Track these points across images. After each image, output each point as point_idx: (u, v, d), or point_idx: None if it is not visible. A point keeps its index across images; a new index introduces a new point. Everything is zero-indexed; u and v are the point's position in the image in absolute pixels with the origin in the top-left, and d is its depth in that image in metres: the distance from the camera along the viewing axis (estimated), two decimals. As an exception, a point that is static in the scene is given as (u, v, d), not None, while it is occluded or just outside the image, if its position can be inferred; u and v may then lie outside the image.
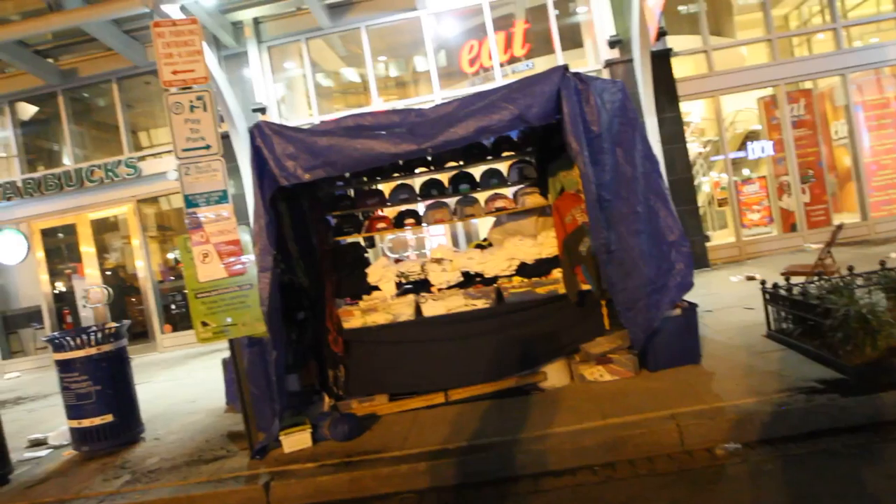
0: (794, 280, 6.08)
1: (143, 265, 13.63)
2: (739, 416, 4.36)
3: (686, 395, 4.85)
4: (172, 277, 14.01)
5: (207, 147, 5.27)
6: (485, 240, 6.38)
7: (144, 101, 14.59)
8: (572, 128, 4.68)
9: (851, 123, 12.76)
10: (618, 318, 5.44)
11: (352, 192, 6.33)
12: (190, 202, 5.21)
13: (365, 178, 6.12)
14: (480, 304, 5.56)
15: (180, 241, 5.23)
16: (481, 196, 6.13)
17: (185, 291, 11.96)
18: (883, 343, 4.57)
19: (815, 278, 6.21)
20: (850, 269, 5.79)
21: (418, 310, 5.64)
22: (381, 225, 6.02)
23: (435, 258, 5.72)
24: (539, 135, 5.95)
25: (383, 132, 4.73)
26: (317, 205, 5.77)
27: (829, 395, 4.39)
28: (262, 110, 12.60)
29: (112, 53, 13.08)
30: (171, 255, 14.36)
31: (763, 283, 6.31)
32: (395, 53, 14.45)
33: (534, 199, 5.86)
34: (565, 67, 4.87)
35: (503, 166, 6.28)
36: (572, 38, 13.36)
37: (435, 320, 5.58)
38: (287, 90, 13.91)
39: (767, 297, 6.14)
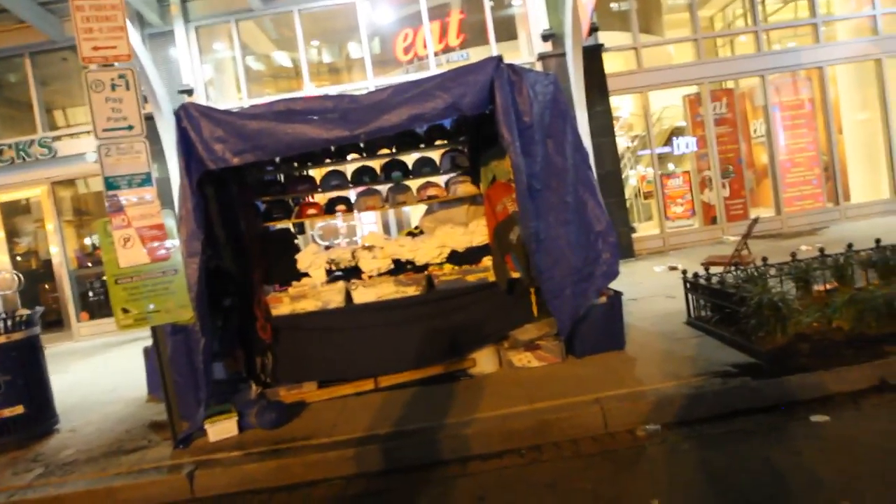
0: (713, 270, 6.36)
1: (58, 251, 12.99)
2: (659, 398, 4.54)
3: (610, 380, 5.00)
4: (90, 264, 13.40)
5: (130, 128, 5.06)
6: (416, 227, 6.39)
7: (61, 78, 13.85)
8: (504, 118, 4.73)
9: (769, 122, 13.40)
10: (545, 305, 5.56)
11: (282, 178, 6.21)
12: (111, 184, 4.99)
13: (296, 164, 6.02)
14: (411, 291, 5.57)
15: (100, 225, 5.02)
16: (413, 184, 6.13)
17: (104, 278, 11.42)
18: (792, 329, 4.84)
19: (732, 268, 6.51)
20: (765, 259, 6.10)
21: (348, 297, 5.60)
22: (311, 211, 5.93)
23: (366, 245, 5.68)
24: (472, 124, 5.99)
25: (315, 117, 4.66)
26: (246, 189, 5.63)
27: (742, 378, 4.62)
28: (189, 92, 12.19)
29: (25, 26, 12.34)
30: (88, 241, 13.73)
31: (684, 272, 6.57)
32: (328, 39, 14.24)
33: (465, 188, 5.90)
34: (499, 58, 4.91)
35: (436, 155, 6.30)
36: (507, 30, 13.47)
37: (365, 307, 5.56)
38: (216, 72, 13.49)
39: (688, 286, 6.40)
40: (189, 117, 4.72)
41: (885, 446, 3.63)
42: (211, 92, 13.05)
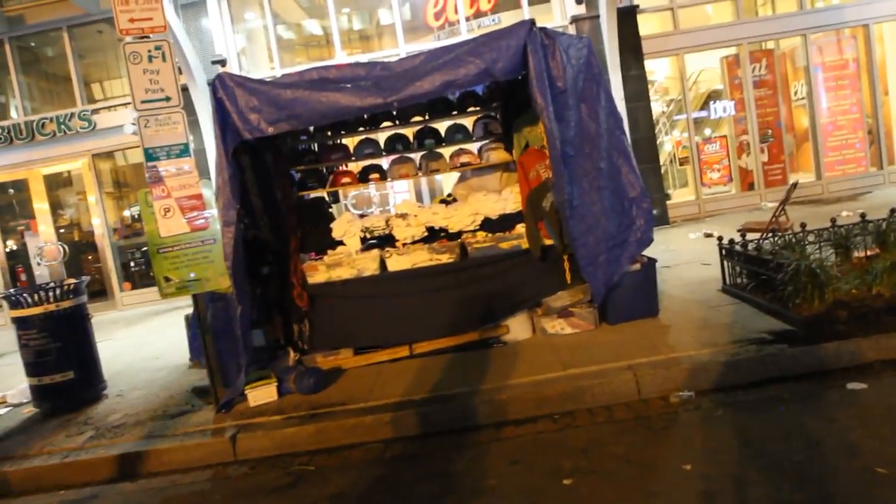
0: (750, 236, 6.26)
1: (100, 222, 13.31)
2: (693, 365, 4.54)
3: (643, 347, 5.01)
4: (131, 234, 13.72)
5: (167, 99, 5.14)
6: (449, 195, 6.40)
7: (98, 51, 14.05)
8: (538, 83, 4.68)
9: (810, 84, 12.99)
10: (578, 272, 5.56)
11: (315, 147, 6.26)
12: (150, 155, 5.10)
13: (329, 133, 6.05)
14: (445, 258, 5.61)
15: (141, 196, 5.15)
16: (446, 151, 6.13)
17: (146, 248, 11.76)
18: (830, 296, 4.77)
19: (770, 235, 6.40)
20: (803, 226, 5.98)
21: (383, 264, 5.66)
22: (345, 180, 5.98)
23: (399, 213, 5.72)
24: (504, 90, 5.95)
25: (348, 85, 4.67)
26: (280, 159, 5.70)
27: (777, 345, 4.58)
28: (223, 62, 12.26)
29: (62, 0, 12.51)
30: (128, 213, 14.05)
31: (720, 239, 6.48)
32: (359, 5, 14.14)
33: (498, 155, 5.88)
34: (532, 22, 4.85)
35: (468, 122, 6.28)
36: (538, -6, 13.23)
37: (399, 275, 5.62)
38: (248, 42, 13.54)
39: (723, 252, 6.32)
40: (224, 87, 4.77)
41: (925, 413, 3.60)
42: (243, 62, 13.11)
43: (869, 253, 5.69)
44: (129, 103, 12.72)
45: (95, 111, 12.96)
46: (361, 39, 14.39)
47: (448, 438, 4.29)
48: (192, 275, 5.18)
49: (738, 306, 5.69)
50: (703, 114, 13.55)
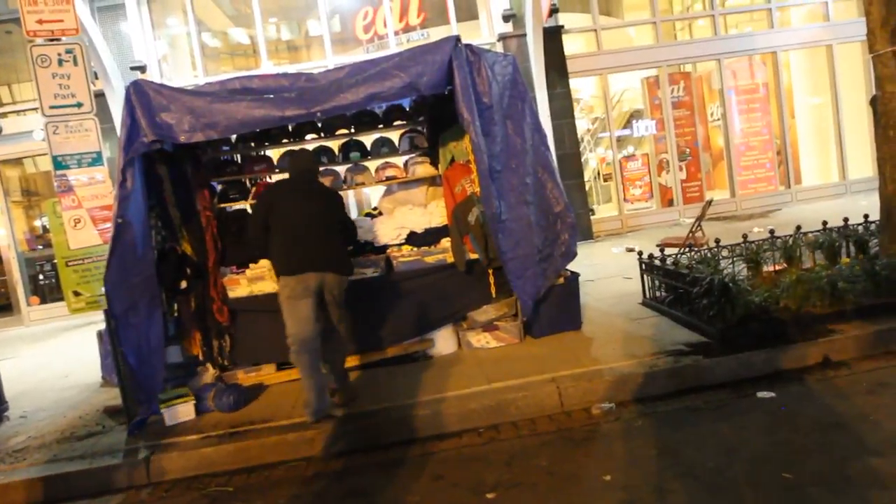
0: (668, 251, 6.49)
1: (6, 233, 12.56)
2: (614, 377, 4.64)
3: (566, 360, 5.09)
4: (40, 246, 13.00)
5: (79, 105, 4.94)
6: (375, 208, 6.35)
7: (6, 52, 13.32)
8: (464, 97, 4.73)
9: (725, 106, 13.63)
10: (503, 286, 5.63)
11: (238, 158, 6.11)
12: (59, 164, 4.87)
13: (252, 144, 5.91)
14: (370, 272, 5.55)
15: (49, 206, 4.90)
16: (372, 165, 6.10)
17: (56, 261, 11.10)
18: (742, 309, 4.98)
19: (686, 250, 6.65)
20: (717, 241, 6.24)
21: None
22: (267, 192, 5.85)
23: None
24: (431, 105, 5.97)
25: (271, 95, 4.59)
26: (200, 170, 5.52)
27: (694, 356, 4.75)
28: (142, 69, 11.83)
29: (-34, -3, 11.84)
30: (38, 223, 13.32)
31: (640, 254, 6.69)
32: (286, 16, 13.98)
33: (424, 169, 5.89)
34: (457, 38, 4.90)
35: (394, 135, 6.26)
36: (468, 10, 13.39)
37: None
38: (170, 48, 13.13)
39: (643, 267, 6.52)
40: (139, 93, 4.59)
41: (826, 420, 3.79)
42: (165, 69, 12.71)
43: (777, 267, 5.99)
44: (38, 108, 12.13)
45: (2, 115, 12.27)
46: (289, 50, 14.20)
47: (372, 455, 4.23)
48: (102, 289, 4.95)
49: (657, 319, 5.88)
50: (627, 132, 14.02)
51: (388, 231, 5.72)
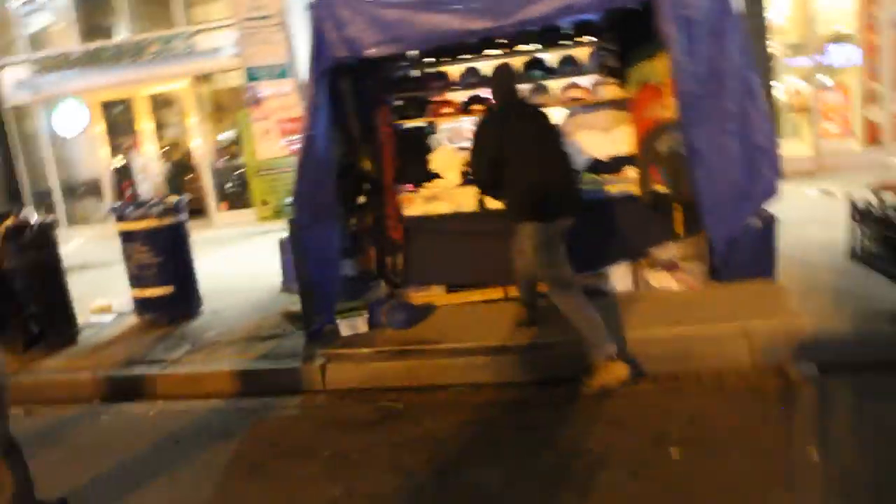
0: (889, 197, 5.61)
1: (199, 143, 13.60)
2: (817, 336, 4.13)
3: (759, 310, 4.59)
4: (227, 157, 13.98)
5: (269, 17, 4.99)
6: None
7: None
8: (666, 9, 4.20)
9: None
10: (691, 224, 5.15)
11: (417, 74, 5.95)
12: (251, 75, 5.01)
13: (431, 60, 5.72)
14: (547, 200, 5.29)
15: (240, 116, 5.07)
16: (555, 85, 5.71)
17: (242, 171, 11.87)
18: None
19: (911, 196, 5.72)
20: (956, 188, 5.30)
21: (482, 201, 5.41)
22: (446, 110, 5.69)
23: None
24: (622, 20, 5.44)
25: (459, 6, 4.34)
26: (380, 85, 5.45)
27: (921, 323, 4.09)
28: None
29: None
30: (225, 136, 14.27)
31: (852, 198, 5.85)
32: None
33: (612, 91, 5.42)
34: (663, -61, 4.32)
35: (581, 53, 5.80)
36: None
37: (498, 214, 5.34)
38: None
39: (856, 214, 5.71)
40: (325, 5, 4.52)
41: None
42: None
43: None
44: (228, 25, 12.75)
45: (196, 33, 13.01)
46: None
47: (544, 389, 4.10)
48: (288, 199, 5.11)
49: (870, 276, 5.13)
50: (826, 58, 12.29)
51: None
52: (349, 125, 5.26)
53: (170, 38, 12.85)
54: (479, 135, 4.32)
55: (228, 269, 8.57)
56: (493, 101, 4.57)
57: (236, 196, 13.68)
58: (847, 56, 11.93)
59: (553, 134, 4.42)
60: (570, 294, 4.18)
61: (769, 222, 5.25)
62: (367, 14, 4.44)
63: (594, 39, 5.59)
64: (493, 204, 5.35)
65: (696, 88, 4.45)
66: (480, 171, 4.32)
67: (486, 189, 4.49)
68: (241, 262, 8.99)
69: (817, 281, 5.16)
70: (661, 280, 5.33)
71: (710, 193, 4.69)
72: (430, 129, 6.33)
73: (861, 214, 5.64)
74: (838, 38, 12.49)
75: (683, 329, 4.42)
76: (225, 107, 14.42)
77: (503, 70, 4.54)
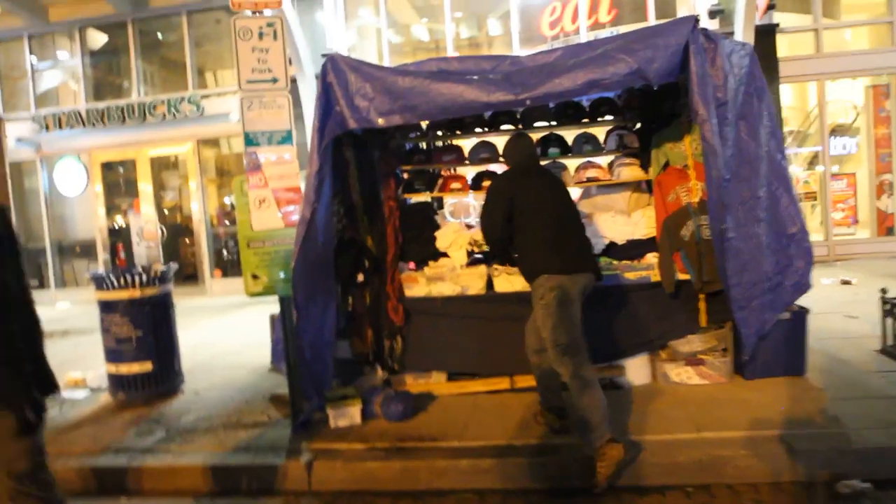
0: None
1: (199, 208, 13.39)
2: (865, 447, 3.68)
3: (795, 414, 4.16)
4: (227, 223, 13.75)
5: (274, 80, 4.76)
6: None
7: (213, 40, 14.22)
8: (700, 90, 3.94)
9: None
10: (715, 314, 4.79)
11: (426, 146, 5.70)
12: (250, 140, 4.72)
13: (442, 132, 5.47)
14: (560, 284, 4.93)
15: (236, 183, 4.76)
16: (571, 163, 5.45)
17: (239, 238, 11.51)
18: None
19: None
20: None
21: (490, 283, 5.04)
22: (455, 185, 5.40)
23: None
24: (641, 99, 5.23)
25: (475, 77, 4.09)
26: (387, 156, 5.18)
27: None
28: (332, 57, 12.02)
29: (183, -16, 12.71)
30: (226, 200, 14.08)
31: (883, 292, 5.49)
32: (472, 10, 13.65)
33: (632, 172, 5.14)
34: (696, 19, 4.12)
35: (599, 131, 5.57)
36: (664, 7, 12.33)
37: (507, 297, 4.98)
38: (358, 39, 13.31)
39: (888, 307, 5.34)
40: (336, 69, 4.28)
41: None
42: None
43: None
44: (237, 90, 12.74)
45: (205, 97, 13.04)
46: (471, 46, 13.89)
47: (557, 499, 3.61)
48: (281, 274, 4.74)
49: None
50: (835, 147, 12.21)
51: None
52: (351, 196, 4.94)
53: (178, 100, 12.83)
54: (495, 189, 4.09)
55: (216, 341, 8.13)
56: (508, 167, 4.34)
57: (231, 264, 13.36)
58: (860, 143, 11.86)
59: (568, 195, 4.23)
60: (578, 362, 3.78)
61: (800, 315, 4.88)
62: (379, 81, 4.19)
63: (612, 118, 5.35)
64: (502, 286, 5.01)
65: (725, 172, 4.15)
66: (495, 226, 4.02)
67: (500, 245, 4.17)
68: (230, 335, 8.56)
69: (850, 379, 4.77)
70: (681, 374, 4.91)
71: (741, 284, 4.34)
72: (438, 204, 6.03)
73: (894, 308, 5.28)
74: (841, 130, 12.47)
75: (712, 434, 3.97)
76: (228, 171, 14.30)
77: (521, 135, 4.35)
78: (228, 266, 13.54)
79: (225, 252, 13.61)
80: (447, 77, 4.09)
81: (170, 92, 13.50)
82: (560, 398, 4.21)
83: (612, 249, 5.05)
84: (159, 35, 14.42)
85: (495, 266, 5.05)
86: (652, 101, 5.06)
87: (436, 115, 4.29)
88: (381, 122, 4.22)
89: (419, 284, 5.07)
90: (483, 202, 4.10)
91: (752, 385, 4.78)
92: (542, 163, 5.33)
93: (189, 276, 13.40)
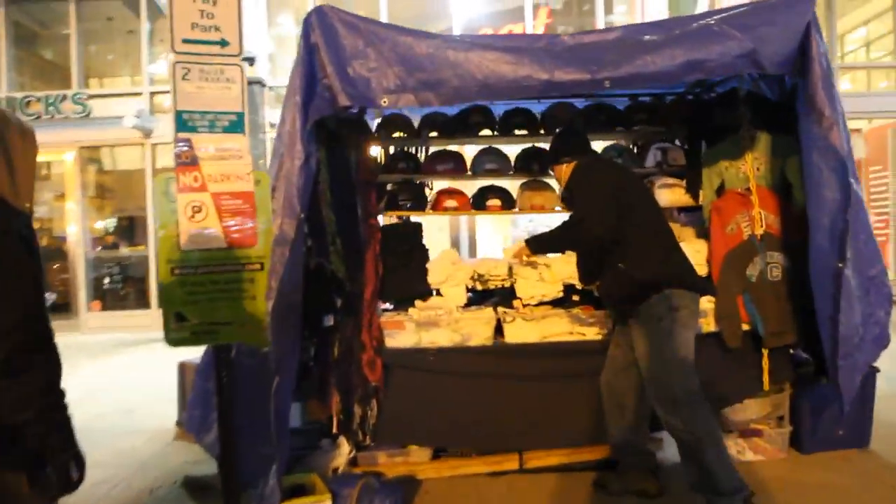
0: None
1: (77, 229, 11.33)
2: None
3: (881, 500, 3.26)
4: (109, 246, 11.79)
5: (223, 43, 3.37)
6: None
7: (104, 41, 12.41)
8: (825, 84, 3.02)
9: None
10: (777, 374, 3.86)
11: (415, 150, 4.43)
12: (183, 123, 3.26)
13: (436, 134, 4.22)
14: (591, 333, 3.83)
15: (159, 181, 3.29)
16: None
17: (126, 263, 9.71)
18: None
19: None
20: None
21: (498, 331, 3.86)
22: (450, 203, 4.15)
23: (529, 260, 3.89)
24: (691, 107, 4.31)
25: (523, 46, 2.97)
26: (366, 161, 3.91)
27: None
28: (250, 60, 10.55)
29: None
30: (105, 223, 12.16)
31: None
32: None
33: (674, 196, 4.12)
34: (813, -4, 3.20)
35: (632, 142, 4.59)
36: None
37: (520, 350, 3.83)
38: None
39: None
40: (324, 26, 3.01)
41: None
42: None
43: None
44: (134, 93, 10.98)
45: (94, 97, 11.10)
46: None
47: None
48: (220, 315, 3.31)
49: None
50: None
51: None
52: (320, 210, 3.62)
53: (59, 98, 10.82)
54: (595, 179, 3.32)
55: (101, 393, 6.39)
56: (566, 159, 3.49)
57: (112, 295, 11.41)
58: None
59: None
60: (705, 411, 3.07)
61: (868, 377, 4.02)
62: (386, 44, 2.96)
63: (653, 129, 4.32)
64: (515, 334, 3.85)
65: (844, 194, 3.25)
66: (604, 226, 3.15)
67: (595, 258, 3.36)
68: (118, 386, 6.86)
69: None
70: (733, 448, 3.91)
71: (834, 338, 3.42)
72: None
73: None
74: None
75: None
76: (112, 190, 12.40)
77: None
78: (109, 297, 11.53)
79: (107, 280, 11.58)
80: (488, 46, 2.94)
81: (49, 88, 11.45)
82: (643, 456, 3.50)
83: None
84: (39, 22, 12.39)
85: (505, 309, 3.87)
86: (701, 110, 4.13)
87: (473, 96, 3.07)
88: (385, 101, 2.99)
89: (406, 331, 3.79)
90: (577, 197, 3.30)
91: (813, 461, 3.94)
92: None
93: (61, 306, 11.26)
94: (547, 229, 3.68)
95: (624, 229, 3.13)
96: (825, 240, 3.25)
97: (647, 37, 2.95)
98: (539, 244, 3.62)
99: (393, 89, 2.97)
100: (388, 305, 4.13)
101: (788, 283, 3.77)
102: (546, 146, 4.02)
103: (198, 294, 3.23)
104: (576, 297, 4.08)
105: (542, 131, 4.16)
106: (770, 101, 3.93)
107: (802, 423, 4.01)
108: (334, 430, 3.81)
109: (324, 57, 2.98)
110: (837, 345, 3.32)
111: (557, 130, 3.61)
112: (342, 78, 2.97)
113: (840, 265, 3.23)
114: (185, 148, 3.30)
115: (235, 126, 3.39)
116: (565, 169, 3.46)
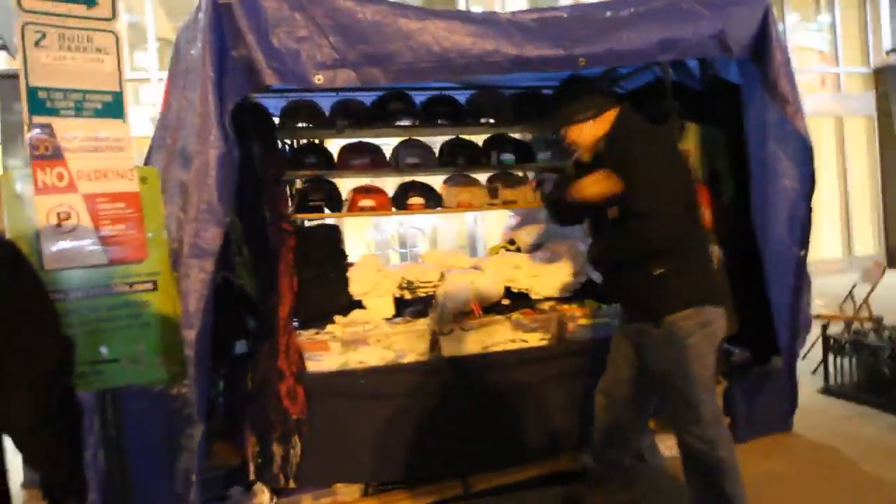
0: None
1: None
2: None
3: (841, 489, 3.29)
4: None
5: (91, 3, 2.66)
6: (512, 242, 4.23)
7: None
8: (786, 69, 2.92)
9: None
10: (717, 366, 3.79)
11: (322, 142, 3.85)
12: (38, 103, 2.52)
13: (347, 123, 3.66)
14: (534, 339, 3.52)
15: (6, 180, 2.51)
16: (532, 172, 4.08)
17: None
18: None
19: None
20: None
21: (434, 345, 3.42)
22: (366, 202, 3.62)
23: (472, 265, 3.50)
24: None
25: (489, 19, 2.56)
26: (274, 155, 3.30)
27: None
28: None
29: None
30: None
31: (825, 328, 5.12)
32: None
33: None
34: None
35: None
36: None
37: (459, 363, 3.42)
38: None
39: (830, 346, 4.92)
40: (239, -14, 2.42)
41: None
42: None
43: None
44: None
45: None
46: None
47: None
48: (103, 349, 2.59)
49: (872, 413, 4.34)
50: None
51: (556, 276, 3.69)
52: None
53: None
54: (661, 150, 2.57)
55: None
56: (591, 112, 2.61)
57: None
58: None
59: None
60: (727, 431, 2.74)
61: (791, 361, 4.10)
62: (321, 8, 2.41)
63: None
64: (453, 347, 3.45)
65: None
66: (672, 212, 2.45)
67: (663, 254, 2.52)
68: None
69: (831, 430, 4.13)
70: (674, 447, 3.75)
71: (794, 324, 3.40)
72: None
73: (838, 346, 4.89)
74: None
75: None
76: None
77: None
78: None
79: None
80: (448, 16, 2.49)
81: None
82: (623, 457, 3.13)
83: (596, 288, 3.77)
84: None
85: (439, 321, 3.45)
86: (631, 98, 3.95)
87: (427, 74, 2.57)
88: (319, 79, 2.44)
89: (330, 353, 3.25)
90: (639, 171, 2.43)
91: (754, 449, 3.87)
92: (491, 172, 3.94)
93: None
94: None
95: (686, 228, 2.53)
96: (784, 229, 3.17)
97: (621, 12, 2.65)
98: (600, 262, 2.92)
99: (329, 64, 2.44)
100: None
101: (726, 275, 3.70)
102: (472, 138, 3.65)
103: (72, 327, 2.52)
104: (506, 301, 3.74)
105: (469, 121, 3.75)
106: (693, 90, 3.84)
107: (738, 413, 3.99)
108: (251, 477, 3.18)
109: (240, 22, 2.37)
110: (797, 332, 3.27)
111: (560, 82, 2.88)
112: (265, 50, 2.39)
113: (802, 253, 3.15)
114: (44, 135, 2.57)
115: (111, 109, 2.72)
116: (592, 126, 2.60)
